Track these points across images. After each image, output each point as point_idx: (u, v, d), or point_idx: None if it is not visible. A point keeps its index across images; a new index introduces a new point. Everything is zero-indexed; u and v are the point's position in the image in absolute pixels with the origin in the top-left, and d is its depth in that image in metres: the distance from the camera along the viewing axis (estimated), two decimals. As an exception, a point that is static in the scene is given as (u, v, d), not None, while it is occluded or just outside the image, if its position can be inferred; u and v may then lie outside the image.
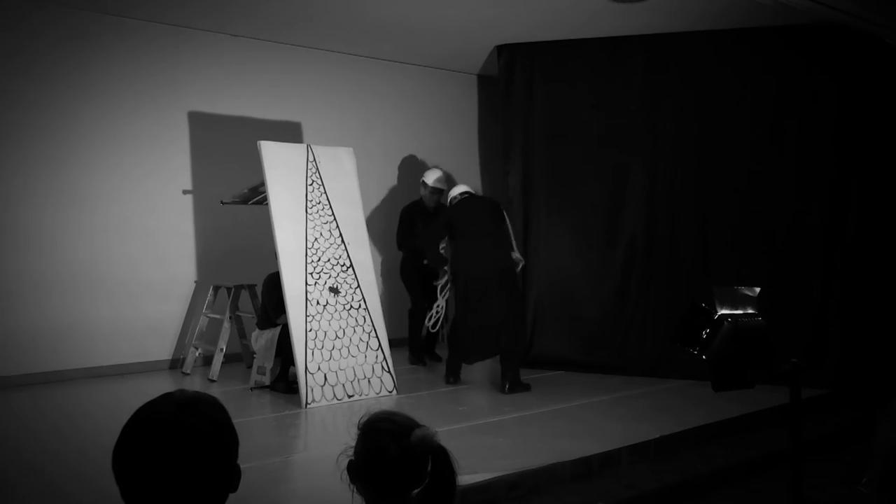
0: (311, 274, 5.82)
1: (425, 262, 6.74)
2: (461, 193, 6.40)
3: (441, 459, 1.65)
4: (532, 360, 7.09)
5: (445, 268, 6.36)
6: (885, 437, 4.30)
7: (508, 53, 7.59)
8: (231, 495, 1.39)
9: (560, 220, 7.24)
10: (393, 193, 8.53)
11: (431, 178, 7.24)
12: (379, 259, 8.37)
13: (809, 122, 6.45)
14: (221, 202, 6.83)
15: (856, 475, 4.43)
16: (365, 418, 1.74)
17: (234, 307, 6.79)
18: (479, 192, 8.59)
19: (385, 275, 8.29)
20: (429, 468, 1.63)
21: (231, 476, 1.38)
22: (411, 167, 8.68)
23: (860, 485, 4.35)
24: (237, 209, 6.98)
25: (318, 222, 5.98)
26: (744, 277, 5.85)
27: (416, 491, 1.63)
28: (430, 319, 6.57)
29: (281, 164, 5.92)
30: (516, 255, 6.27)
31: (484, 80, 9.12)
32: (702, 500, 4.34)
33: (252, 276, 6.83)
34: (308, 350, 5.62)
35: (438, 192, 7.23)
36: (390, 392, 5.93)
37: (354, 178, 6.31)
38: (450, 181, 7.41)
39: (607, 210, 7.08)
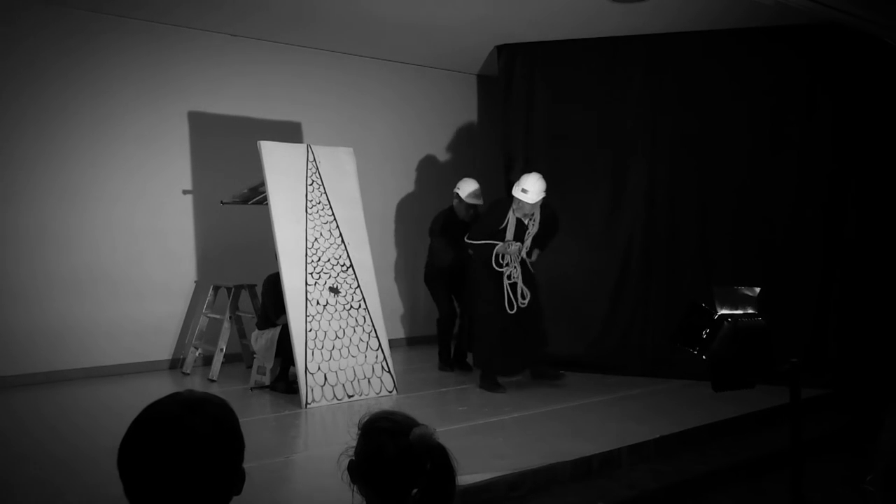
0: (311, 274, 5.82)
1: (450, 270, 6.80)
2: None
3: (440, 458, 1.64)
4: (532, 360, 7.09)
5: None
6: (890, 436, 4.29)
7: (508, 53, 7.59)
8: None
9: (560, 220, 7.23)
10: (398, 193, 8.53)
11: (466, 191, 6.76)
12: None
13: (809, 122, 6.45)
14: (221, 202, 6.83)
15: (856, 475, 4.42)
16: (365, 418, 1.74)
17: (234, 307, 6.79)
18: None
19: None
20: (428, 467, 1.63)
21: (235, 479, 1.38)
22: (411, 167, 8.68)
23: (865, 483, 4.34)
24: (237, 209, 6.98)
25: (318, 222, 5.98)
26: (743, 277, 5.85)
27: (415, 490, 1.62)
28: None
29: (281, 164, 5.91)
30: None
31: (484, 80, 9.12)
32: (702, 500, 4.34)
33: (252, 276, 6.83)
34: (308, 350, 5.62)
35: (473, 207, 6.79)
36: (390, 392, 5.93)
37: (354, 178, 6.31)
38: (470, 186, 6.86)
39: (607, 210, 7.08)
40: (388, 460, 1.63)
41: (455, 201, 6.85)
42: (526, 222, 6.02)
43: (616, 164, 7.07)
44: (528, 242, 6.06)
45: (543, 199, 5.98)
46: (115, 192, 6.85)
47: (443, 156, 8.91)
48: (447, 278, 6.91)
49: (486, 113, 9.11)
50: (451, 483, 1.65)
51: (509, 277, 6.00)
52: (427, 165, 8.78)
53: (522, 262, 6.07)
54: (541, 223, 6.08)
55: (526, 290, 6.00)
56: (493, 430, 4.95)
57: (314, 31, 7.35)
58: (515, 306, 5.98)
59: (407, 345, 8.49)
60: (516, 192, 5.92)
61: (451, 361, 7.02)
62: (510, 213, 5.96)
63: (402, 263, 8.57)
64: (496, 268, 5.98)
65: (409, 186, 8.67)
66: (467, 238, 6.18)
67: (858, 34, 6.20)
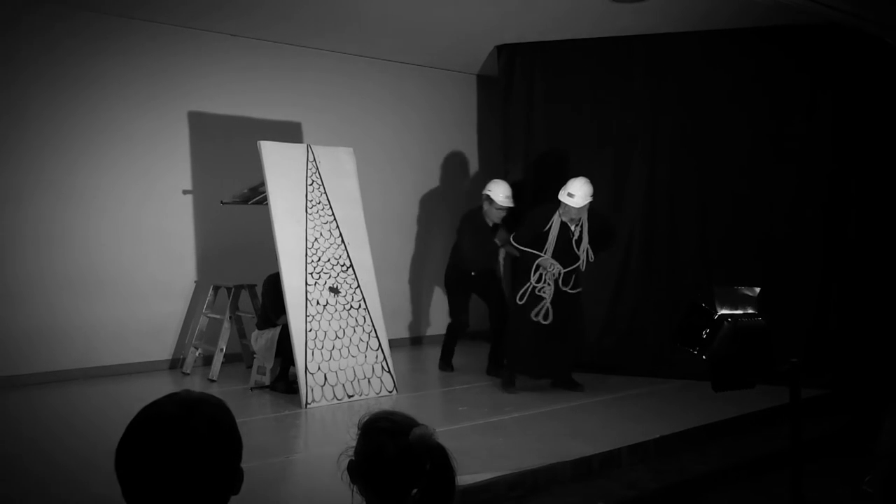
0: (311, 274, 5.82)
1: (473, 273, 6.68)
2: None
3: (439, 458, 1.64)
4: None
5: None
6: (889, 438, 4.29)
7: (508, 53, 7.59)
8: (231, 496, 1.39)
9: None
10: (398, 193, 8.53)
11: (499, 194, 6.48)
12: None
13: (809, 122, 6.45)
14: (221, 202, 6.83)
15: (856, 475, 4.42)
16: (365, 418, 1.74)
17: (234, 307, 6.79)
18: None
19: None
20: (427, 467, 1.63)
21: (234, 479, 1.38)
22: (411, 167, 8.68)
23: (864, 484, 4.33)
24: (237, 209, 6.98)
25: (318, 222, 5.98)
26: (743, 277, 5.84)
27: (415, 490, 1.62)
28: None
29: (281, 164, 5.92)
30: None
31: (484, 80, 9.12)
32: (702, 500, 4.34)
33: (252, 276, 6.83)
34: (308, 350, 5.62)
35: (506, 210, 6.55)
36: (390, 392, 5.93)
37: (354, 178, 6.32)
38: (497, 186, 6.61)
39: (607, 210, 7.07)
40: (387, 460, 1.63)
41: (485, 204, 6.53)
42: (572, 228, 5.93)
43: (616, 164, 7.07)
44: (582, 257, 5.94)
45: (591, 204, 5.88)
46: (114, 192, 6.84)
47: (443, 156, 8.90)
48: (469, 283, 6.74)
49: (486, 113, 9.11)
50: (450, 483, 1.65)
51: (541, 291, 5.93)
52: (427, 165, 8.78)
53: (557, 283, 5.93)
54: (590, 233, 5.97)
55: (550, 311, 5.89)
56: (494, 430, 4.95)
57: (314, 32, 7.35)
58: (541, 316, 5.91)
59: (408, 345, 8.49)
60: (562, 196, 5.84)
61: (451, 362, 6.98)
62: (555, 217, 5.90)
63: (403, 263, 8.57)
64: (533, 281, 5.93)
65: (409, 186, 8.67)
66: (513, 239, 6.12)
67: (858, 34, 6.20)
